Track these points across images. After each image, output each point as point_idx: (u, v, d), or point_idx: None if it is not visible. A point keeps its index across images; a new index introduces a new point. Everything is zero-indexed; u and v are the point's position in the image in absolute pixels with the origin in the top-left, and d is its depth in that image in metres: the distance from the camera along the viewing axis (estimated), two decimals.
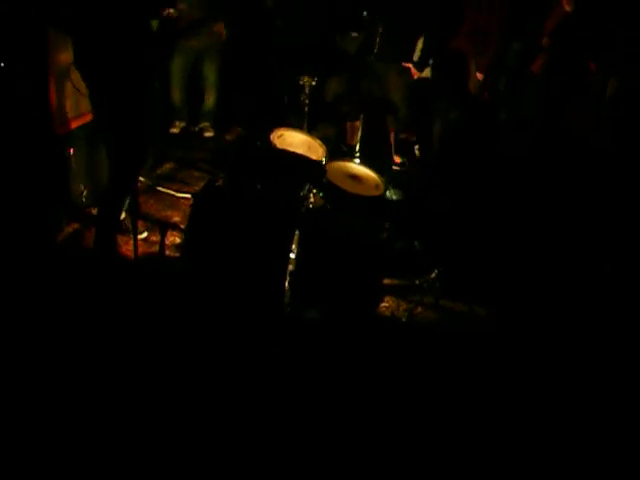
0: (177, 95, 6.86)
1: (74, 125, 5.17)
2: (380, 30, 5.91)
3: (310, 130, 5.40)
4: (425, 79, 6.55)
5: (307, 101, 5.37)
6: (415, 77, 6.08)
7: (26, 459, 3.34)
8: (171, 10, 6.29)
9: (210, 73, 6.83)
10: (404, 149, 6.77)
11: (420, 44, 6.17)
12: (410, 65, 6.05)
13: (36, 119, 4.93)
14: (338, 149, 6.33)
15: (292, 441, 3.66)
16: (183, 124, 7.06)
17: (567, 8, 5.87)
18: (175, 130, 6.98)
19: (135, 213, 4.72)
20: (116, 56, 4.21)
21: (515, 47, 6.30)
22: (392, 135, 6.40)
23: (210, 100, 6.97)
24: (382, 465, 3.61)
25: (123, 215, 5.03)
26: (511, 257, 5.28)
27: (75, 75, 4.66)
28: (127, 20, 4.18)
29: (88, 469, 3.34)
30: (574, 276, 5.16)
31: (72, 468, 3.34)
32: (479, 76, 6.19)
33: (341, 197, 4.70)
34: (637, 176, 5.53)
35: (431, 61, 6.24)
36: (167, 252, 4.90)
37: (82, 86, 4.55)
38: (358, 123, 5.88)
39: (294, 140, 5.05)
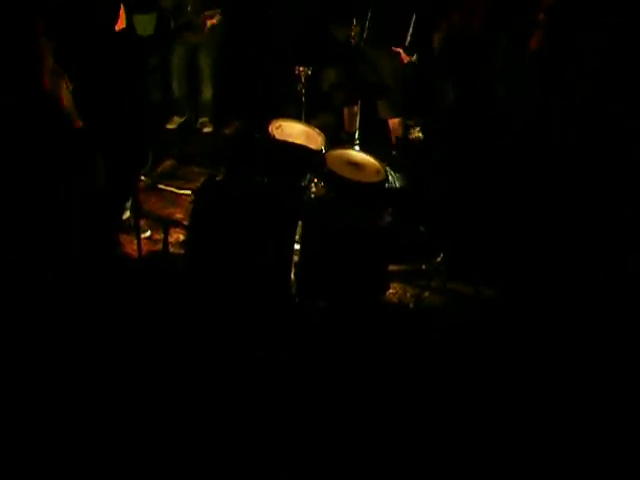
0: (177, 88, 6.85)
1: None
2: (369, 15, 5.87)
3: (308, 119, 5.36)
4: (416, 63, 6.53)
5: (304, 91, 5.33)
6: (405, 61, 5.99)
7: (26, 459, 3.37)
8: None
9: (206, 65, 6.80)
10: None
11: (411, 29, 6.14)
12: (400, 50, 5.98)
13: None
14: (337, 137, 6.30)
15: (301, 430, 3.69)
16: (181, 120, 7.05)
17: None
18: (172, 126, 6.97)
19: (138, 212, 4.72)
20: (100, 58, 4.22)
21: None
22: (393, 121, 6.36)
23: (207, 93, 6.94)
24: (391, 455, 3.62)
25: (127, 214, 5.02)
26: (516, 236, 5.25)
27: None
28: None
29: (88, 469, 3.37)
30: (580, 256, 5.13)
31: (72, 468, 3.37)
32: None
33: (342, 185, 4.67)
34: None
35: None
36: (171, 249, 4.90)
37: None
38: (356, 109, 5.86)
39: (293, 130, 5.02)
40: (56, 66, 4.57)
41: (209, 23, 6.57)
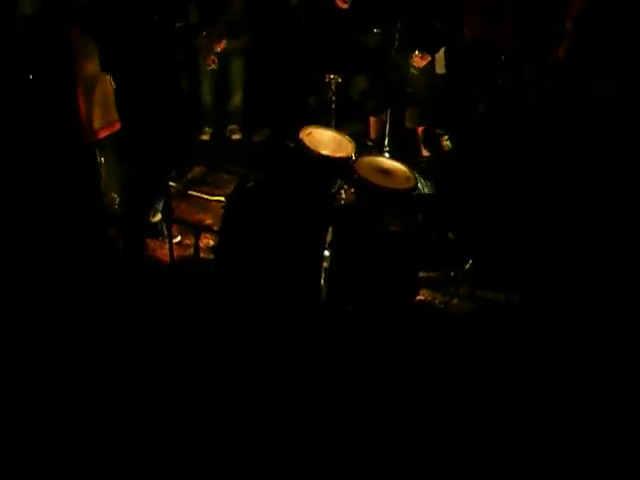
0: (207, 95, 6.88)
1: (103, 134, 5.21)
2: (399, 24, 5.90)
3: (338, 127, 5.39)
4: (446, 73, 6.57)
5: (334, 98, 5.37)
6: (418, 65, 5.98)
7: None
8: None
9: (237, 70, 6.83)
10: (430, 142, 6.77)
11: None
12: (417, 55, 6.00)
13: (66, 129, 4.99)
14: (364, 144, 6.34)
15: (327, 430, 3.74)
16: (211, 130, 7.08)
17: None
18: (205, 137, 7.02)
19: (170, 218, 4.77)
20: (142, 58, 4.28)
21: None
22: (420, 129, 6.39)
23: (237, 98, 6.97)
24: (417, 458, 3.64)
25: (158, 217, 5.07)
26: (546, 243, 5.24)
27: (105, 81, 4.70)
28: (151, 22, 4.24)
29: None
30: (612, 261, 5.10)
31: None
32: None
33: (372, 191, 4.69)
34: None
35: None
36: (201, 254, 4.94)
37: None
38: (384, 117, 5.88)
39: (323, 137, 5.05)
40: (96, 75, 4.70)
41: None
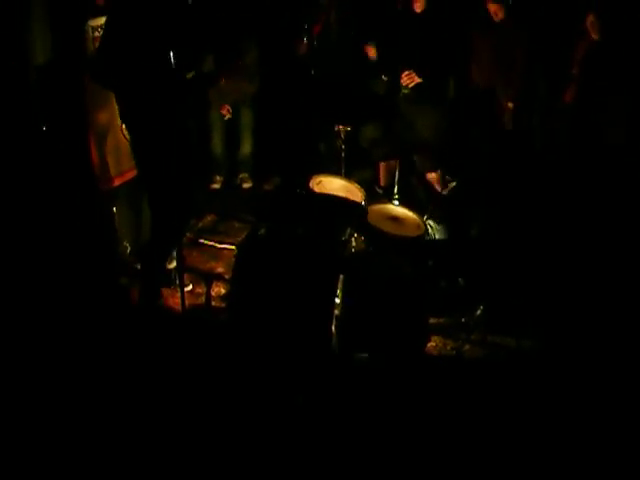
0: (218, 144, 6.91)
1: (116, 183, 5.27)
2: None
3: (347, 175, 5.44)
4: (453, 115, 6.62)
5: (343, 147, 5.42)
6: (406, 84, 6.03)
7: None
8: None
9: (246, 119, 6.89)
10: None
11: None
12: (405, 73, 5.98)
13: (79, 178, 5.04)
14: (373, 191, 6.38)
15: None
16: (222, 178, 7.11)
17: (594, 36, 5.87)
18: (216, 185, 7.05)
19: (182, 266, 4.80)
20: (159, 110, 4.32)
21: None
22: (431, 174, 6.42)
23: (246, 147, 7.02)
24: None
25: (174, 264, 5.11)
26: (558, 288, 5.23)
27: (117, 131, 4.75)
28: (168, 74, 4.28)
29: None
30: (626, 307, 5.08)
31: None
32: (510, 105, 6.21)
33: (383, 239, 4.73)
34: None
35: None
36: (213, 303, 4.96)
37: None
38: (394, 164, 5.92)
39: (333, 186, 5.11)
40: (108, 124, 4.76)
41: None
